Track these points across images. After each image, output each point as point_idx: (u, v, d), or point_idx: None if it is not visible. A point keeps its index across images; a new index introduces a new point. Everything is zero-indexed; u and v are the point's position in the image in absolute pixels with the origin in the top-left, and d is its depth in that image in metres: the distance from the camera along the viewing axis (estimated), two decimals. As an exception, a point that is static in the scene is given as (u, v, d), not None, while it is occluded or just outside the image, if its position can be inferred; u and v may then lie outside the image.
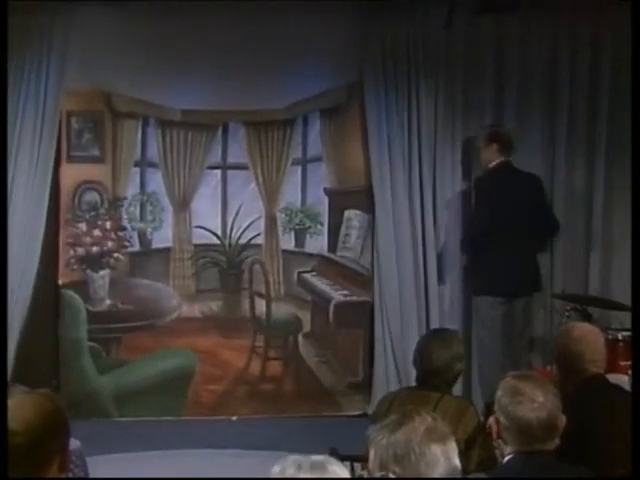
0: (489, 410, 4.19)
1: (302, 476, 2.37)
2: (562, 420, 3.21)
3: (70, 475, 3.19)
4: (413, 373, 6.88)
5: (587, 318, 6.49)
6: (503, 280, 6.80)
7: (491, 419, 3.27)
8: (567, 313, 6.79)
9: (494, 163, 6.93)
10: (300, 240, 7.51)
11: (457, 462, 2.62)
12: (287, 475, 2.38)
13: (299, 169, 7.47)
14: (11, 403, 2.65)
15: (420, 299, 7.23)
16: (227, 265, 7.43)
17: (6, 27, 5.53)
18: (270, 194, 7.44)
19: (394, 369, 7.23)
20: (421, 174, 7.24)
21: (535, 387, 3.20)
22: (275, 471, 2.41)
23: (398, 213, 7.22)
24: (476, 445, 4.00)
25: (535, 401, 3.16)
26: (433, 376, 4.18)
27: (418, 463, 2.58)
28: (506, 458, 3.19)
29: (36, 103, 6.87)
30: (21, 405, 2.65)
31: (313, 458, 2.43)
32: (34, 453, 2.59)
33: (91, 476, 3.64)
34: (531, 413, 3.14)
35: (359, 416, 7.22)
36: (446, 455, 2.60)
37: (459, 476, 2.63)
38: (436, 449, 2.59)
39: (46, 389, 2.96)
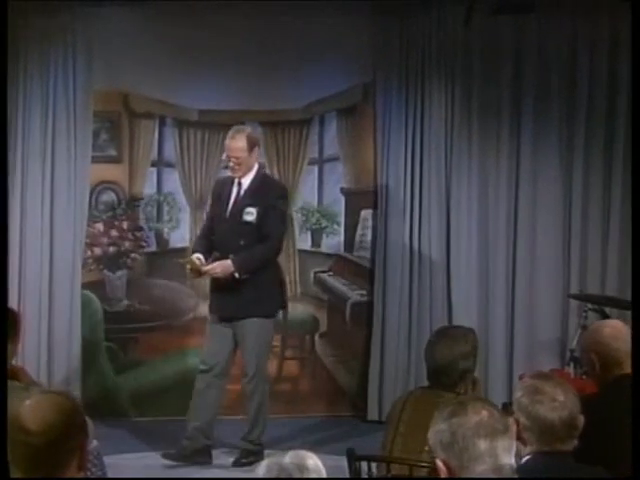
0: (506, 411, 4.17)
1: (288, 474, 2.43)
2: (581, 420, 3.17)
3: (88, 474, 3.17)
4: (413, 373, 7.10)
5: (605, 318, 6.45)
6: (278, 299, 6.33)
7: (510, 420, 3.20)
8: (584, 314, 6.76)
9: (256, 168, 6.23)
10: (317, 240, 7.51)
11: (506, 460, 2.59)
12: (274, 475, 2.44)
13: (316, 169, 7.48)
14: (29, 403, 2.62)
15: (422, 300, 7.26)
16: (244, 265, 7.40)
17: (6, 27, 5.53)
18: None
19: (391, 370, 7.24)
20: (430, 175, 7.24)
21: (555, 386, 3.16)
22: (260, 472, 2.47)
23: (400, 214, 7.23)
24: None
25: (556, 400, 3.12)
26: (438, 374, 4.11)
27: (461, 456, 2.58)
28: (524, 459, 3.13)
29: (67, 102, 6.93)
30: (39, 405, 2.62)
31: (293, 454, 2.48)
32: (53, 453, 2.56)
33: (109, 476, 3.62)
34: (553, 412, 3.10)
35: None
36: (492, 452, 2.57)
37: (509, 474, 2.59)
38: (481, 445, 2.57)
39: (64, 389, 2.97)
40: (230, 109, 7.21)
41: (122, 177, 7.30)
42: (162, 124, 7.30)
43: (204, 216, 7.11)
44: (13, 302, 6.81)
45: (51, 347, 6.99)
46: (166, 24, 7.04)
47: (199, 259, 6.06)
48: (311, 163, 7.45)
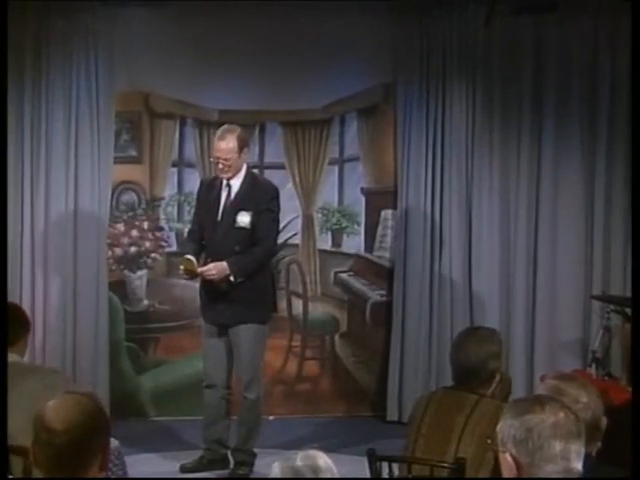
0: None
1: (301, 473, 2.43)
2: (604, 422, 3.15)
3: (110, 474, 3.19)
4: (434, 374, 7.10)
5: (627, 319, 6.43)
6: (271, 304, 6.09)
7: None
8: (607, 315, 6.73)
9: (245, 169, 5.95)
10: (337, 240, 7.49)
11: (576, 464, 2.57)
12: (289, 475, 2.44)
13: (336, 169, 7.46)
14: (53, 403, 2.64)
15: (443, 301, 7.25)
16: (264, 265, 7.38)
17: (6, 27, 5.52)
18: (307, 194, 7.43)
19: (410, 371, 7.23)
20: (451, 176, 7.23)
21: (578, 387, 3.13)
22: (275, 472, 2.46)
23: (420, 214, 7.21)
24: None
25: (579, 402, 3.06)
26: (468, 375, 4.04)
27: (533, 454, 2.56)
28: None
29: (89, 103, 6.92)
30: (63, 404, 2.63)
31: (303, 455, 2.47)
32: (77, 452, 2.57)
33: (129, 475, 3.66)
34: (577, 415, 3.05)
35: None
36: (565, 455, 2.55)
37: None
38: (556, 446, 2.55)
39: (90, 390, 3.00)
40: (250, 109, 7.19)
41: (143, 177, 7.29)
42: (183, 124, 7.29)
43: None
44: (38, 304, 6.88)
45: (76, 348, 6.98)
46: (186, 25, 7.04)
47: (192, 260, 5.81)
48: (331, 163, 7.43)
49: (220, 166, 5.86)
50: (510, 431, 2.58)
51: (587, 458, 2.95)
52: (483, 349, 4.04)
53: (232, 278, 5.80)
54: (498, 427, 2.63)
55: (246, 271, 5.82)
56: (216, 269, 5.79)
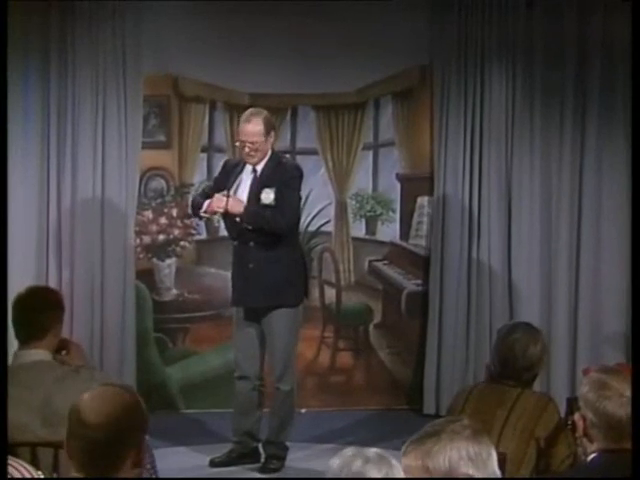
0: (572, 406, 4.05)
1: (370, 469, 2.35)
2: (650, 416, 3.13)
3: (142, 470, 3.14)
4: (472, 365, 6.99)
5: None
6: (302, 286, 5.96)
7: (577, 416, 3.17)
8: (651, 308, 6.57)
9: (270, 153, 5.83)
10: (371, 227, 7.41)
11: None
12: (354, 469, 2.35)
13: (370, 154, 7.36)
14: (89, 395, 2.61)
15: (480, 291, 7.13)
16: (296, 253, 7.28)
17: (6, 27, 5.49)
18: (340, 180, 7.35)
19: (447, 363, 7.13)
20: (490, 162, 7.11)
21: (623, 381, 3.11)
22: (336, 464, 2.37)
23: (458, 201, 7.10)
24: (559, 442, 3.93)
25: (624, 396, 3.06)
26: (524, 372, 4.07)
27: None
28: (590, 457, 3.08)
29: (117, 88, 6.85)
30: (100, 397, 2.60)
31: (374, 451, 2.39)
32: (112, 446, 2.54)
33: (158, 469, 3.63)
34: (620, 409, 3.05)
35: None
36: None
37: None
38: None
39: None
40: (282, 92, 7.10)
41: (171, 163, 7.22)
42: (212, 108, 7.20)
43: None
44: (64, 293, 6.72)
45: (103, 339, 6.92)
46: (217, 6, 6.93)
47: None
48: (366, 148, 7.34)
49: (246, 150, 5.76)
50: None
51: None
52: (537, 347, 4.10)
53: (237, 218, 5.74)
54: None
55: (255, 221, 5.72)
56: (233, 202, 5.72)
